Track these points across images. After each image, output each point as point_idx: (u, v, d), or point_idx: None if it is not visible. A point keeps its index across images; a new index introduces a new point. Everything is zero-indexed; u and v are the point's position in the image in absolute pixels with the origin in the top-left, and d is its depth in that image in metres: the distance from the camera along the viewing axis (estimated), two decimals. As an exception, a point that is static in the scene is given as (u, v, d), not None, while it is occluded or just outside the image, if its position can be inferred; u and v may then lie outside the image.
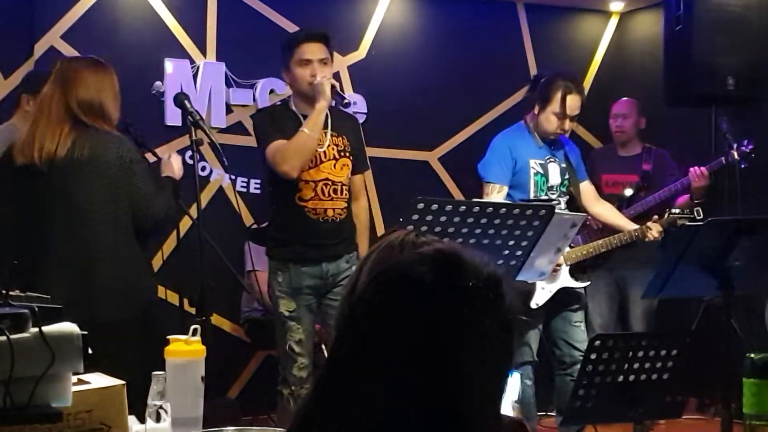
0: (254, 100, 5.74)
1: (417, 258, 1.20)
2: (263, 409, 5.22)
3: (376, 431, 1.14)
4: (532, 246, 3.36)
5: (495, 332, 1.17)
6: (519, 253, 3.36)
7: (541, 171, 4.45)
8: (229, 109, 5.71)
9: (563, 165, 4.52)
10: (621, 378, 3.04)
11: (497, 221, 3.23)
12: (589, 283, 4.75)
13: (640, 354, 3.03)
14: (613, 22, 6.89)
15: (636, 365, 3.04)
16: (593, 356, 3.00)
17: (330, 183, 4.09)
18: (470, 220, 3.18)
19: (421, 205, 3.12)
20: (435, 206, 3.13)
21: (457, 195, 6.23)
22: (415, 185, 5.83)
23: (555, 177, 4.47)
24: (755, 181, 5.44)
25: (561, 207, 4.47)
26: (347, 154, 4.18)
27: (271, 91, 5.78)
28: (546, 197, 4.43)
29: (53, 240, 3.40)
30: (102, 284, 3.38)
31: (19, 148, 3.37)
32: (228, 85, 5.67)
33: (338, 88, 4.04)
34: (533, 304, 4.33)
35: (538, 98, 4.46)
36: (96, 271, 3.39)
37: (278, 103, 4.47)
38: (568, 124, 4.43)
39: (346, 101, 4.13)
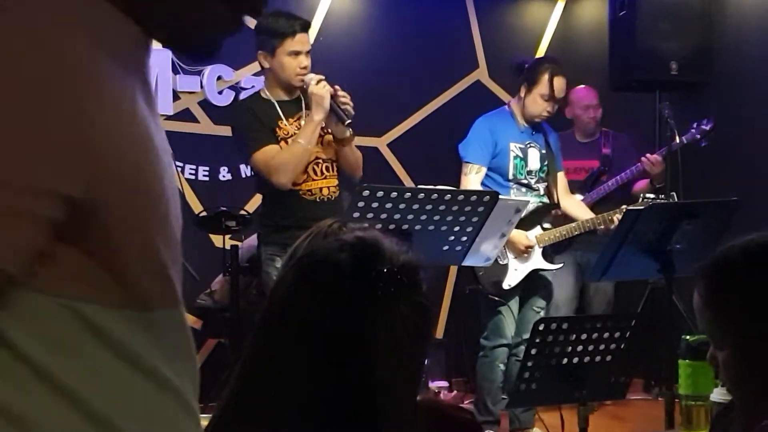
0: (201, 86, 5.71)
1: (337, 245, 1.24)
2: (213, 396, 5.20)
3: (296, 412, 1.19)
4: (477, 231, 3.40)
5: (409, 317, 1.20)
6: (464, 238, 3.40)
7: (521, 155, 4.48)
8: (176, 95, 5.66)
9: (543, 151, 4.55)
10: (565, 360, 3.08)
11: (442, 207, 3.26)
12: (561, 265, 4.79)
13: (584, 337, 3.07)
14: (559, 7, 6.94)
15: (579, 348, 3.08)
16: (537, 339, 3.04)
17: (321, 161, 3.99)
18: (415, 206, 3.21)
19: (366, 193, 3.14)
20: (380, 193, 3.15)
21: (407, 180, 6.25)
22: (364, 171, 5.82)
23: (534, 162, 4.51)
24: (700, 163, 5.52)
25: (540, 192, 4.51)
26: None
27: (219, 78, 5.75)
28: (525, 181, 4.48)
29: None
30: None
31: None
32: (175, 71, 5.62)
33: (336, 103, 3.87)
34: (505, 285, 4.36)
35: (524, 81, 4.48)
36: None
37: (250, 95, 4.41)
38: (553, 107, 4.47)
39: (348, 121, 3.89)
